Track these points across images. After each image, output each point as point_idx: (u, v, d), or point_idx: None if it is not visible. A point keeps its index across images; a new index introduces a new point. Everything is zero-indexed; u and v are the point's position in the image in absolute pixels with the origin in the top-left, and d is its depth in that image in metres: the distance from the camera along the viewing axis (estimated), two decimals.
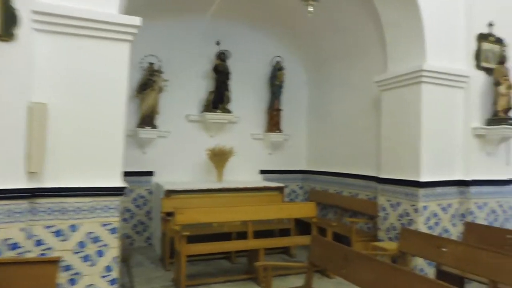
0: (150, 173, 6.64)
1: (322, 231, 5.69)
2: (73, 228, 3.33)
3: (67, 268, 3.30)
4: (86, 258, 3.37)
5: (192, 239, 4.83)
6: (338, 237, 5.89)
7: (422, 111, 4.82)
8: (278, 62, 7.51)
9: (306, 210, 5.50)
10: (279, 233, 6.19)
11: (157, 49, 6.58)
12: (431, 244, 3.78)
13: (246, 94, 7.38)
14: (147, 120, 6.48)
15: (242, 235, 5.50)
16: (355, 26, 6.15)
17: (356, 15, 5.93)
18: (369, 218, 5.86)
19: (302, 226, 6.47)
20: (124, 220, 6.44)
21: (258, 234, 5.43)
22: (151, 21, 6.47)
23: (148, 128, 6.44)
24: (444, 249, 3.65)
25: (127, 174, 6.35)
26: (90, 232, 3.38)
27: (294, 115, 7.86)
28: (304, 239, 5.16)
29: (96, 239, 3.40)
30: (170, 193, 5.79)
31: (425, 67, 4.75)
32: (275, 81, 7.48)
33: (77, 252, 3.34)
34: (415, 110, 4.89)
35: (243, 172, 7.27)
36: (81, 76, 3.39)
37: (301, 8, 4.22)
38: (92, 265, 3.38)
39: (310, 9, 3.96)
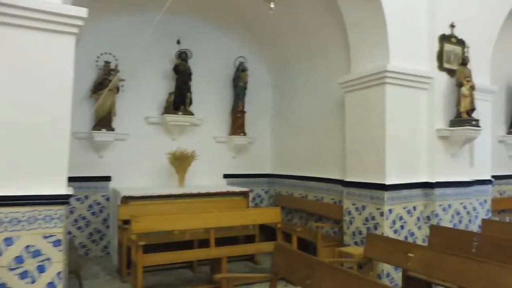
0: (107, 178, 6.26)
1: (288, 237, 5.51)
2: (8, 241, 2.97)
3: (1, 287, 2.94)
4: (24, 275, 3.01)
5: (150, 248, 4.53)
6: (303, 243, 5.74)
7: (386, 113, 4.74)
8: (241, 63, 7.31)
9: (270, 216, 5.30)
10: (243, 240, 5.97)
11: (113, 47, 6.22)
12: (398, 249, 3.66)
13: (209, 96, 7.13)
14: (103, 122, 6.11)
15: (205, 243, 5.24)
16: (318, 26, 6.05)
17: (320, 15, 5.82)
18: (334, 223, 5.73)
19: (268, 232, 6.28)
20: (79, 228, 6.03)
21: (222, 241, 5.18)
22: (106, 16, 6.14)
23: (104, 131, 6.07)
24: (411, 255, 3.54)
25: (82, 179, 6.02)
26: (30, 246, 3.03)
27: (258, 118, 7.68)
28: (268, 246, 4.95)
29: (36, 253, 3.06)
30: (127, 199, 5.45)
31: (388, 68, 4.68)
32: (239, 82, 7.27)
33: (13, 269, 2.98)
34: (379, 112, 4.80)
35: (206, 177, 7.00)
36: (20, 71, 3.06)
37: (263, 7, 4.03)
38: (31, 282, 3.03)
39: (272, 5, 3.77)
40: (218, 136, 7.25)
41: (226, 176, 7.30)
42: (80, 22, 3.25)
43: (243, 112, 7.29)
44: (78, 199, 6.03)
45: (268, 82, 7.82)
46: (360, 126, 5.10)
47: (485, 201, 5.60)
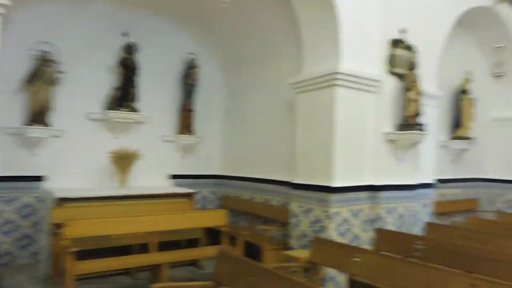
0: (39, 178, 5.76)
1: (235, 240, 5.33)
2: None
3: None
4: None
5: (85, 255, 4.18)
6: (250, 246, 5.58)
7: (336, 115, 4.69)
8: (191, 60, 7.05)
9: (216, 218, 5.11)
10: (187, 244, 5.71)
11: (51, 36, 5.73)
12: (343, 253, 3.61)
13: (156, 93, 6.80)
14: (37, 117, 5.64)
15: (146, 247, 4.94)
16: (272, 26, 5.94)
17: (274, 15, 5.72)
18: (281, 225, 5.63)
19: (214, 235, 6.06)
20: (5, 233, 5.50)
21: (164, 245, 4.90)
22: (43, 1, 5.66)
23: (38, 126, 5.60)
24: (356, 259, 3.48)
25: (10, 179, 5.50)
26: None
27: (209, 117, 7.44)
28: (213, 251, 4.74)
29: None
30: (61, 201, 5.03)
31: (339, 70, 4.64)
32: (188, 80, 7.01)
33: None
34: (329, 114, 4.75)
35: (151, 177, 6.66)
36: None
37: (217, 3, 3.84)
38: None
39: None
40: (166, 135, 6.95)
41: (174, 176, 7.00)
42: (4, 1, 2.89)
43: (191, 111, 7.03)
44: (5, 201, 5.50)
45: (220, 81, 7.61)
46: (310, 128, 5.03)
47: (428, 204, 5.72)
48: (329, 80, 4.75)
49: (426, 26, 5.51)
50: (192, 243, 5.65)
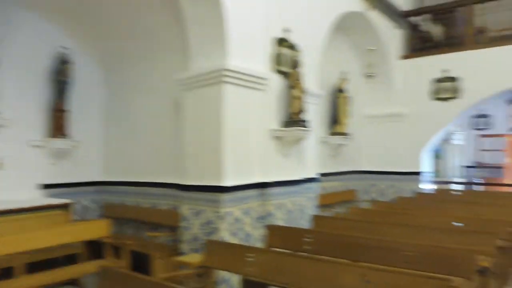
0: None
1: (119, 251, 4.88)
2: None
3: None
4: None
5: None
6: (137, 256, 5.18)
7: (224, 112, 4.58)
8: (64, 55, 6.30)
9: (97, 230, 4.62)
10: (66, 260, 5.05)
11: None
12: (236, 254, 3.51)
13: (21, 92, 5.91)
14: None
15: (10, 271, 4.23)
16: (157, 20, 5.58)
17: (158, 9, 5.37)
18: (170, 230, 5.34)
19: (96, 248, 5.49)
20: None
21: (38, 266, 4.24)
22: None
23: None
24: (249, 259, 3.40)
25: None
26: None
27: (86, 118, 6.74)
28: (93, 266, 4.25)
29: None
30: None
31: (227, 67, 4.53)
32: (60, 77, 6.24)
33: None
34: (217, 111, 4.62)
35: (16, 189, 5.75)
36: None
37: None
38: None
39: None
40: (33, 139, 6.08)
41: (46, 186, 6.16)
42: None
43: (65, 111, 6.28)
44: None
45: (99, 78, 6.94)
46: (199, 126, 4.84)
47: (313, 197, 5.97)
48: (216, 77, 4.61)
49: (307, 27, 5.73)
50: (72, 259, 5.02)
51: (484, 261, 3.42)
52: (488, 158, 13.09)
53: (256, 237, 4.91)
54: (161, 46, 5.86)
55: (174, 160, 5.51)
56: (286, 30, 5.32)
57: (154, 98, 6.09)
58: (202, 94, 4.79)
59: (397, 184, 8.55)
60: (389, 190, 8.61)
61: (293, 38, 5.41)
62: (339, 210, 7.51)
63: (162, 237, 5.51)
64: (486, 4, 7.93)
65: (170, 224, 5.27)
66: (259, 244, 4.75)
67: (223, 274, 4.37)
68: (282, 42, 5.23)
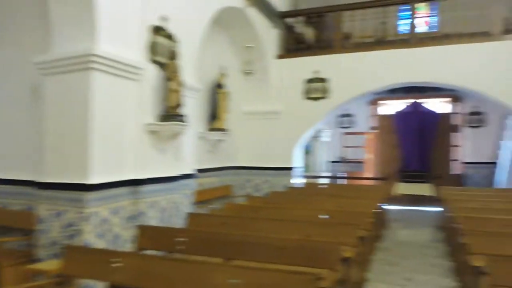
0: None
1: None
2: None
3: None
4: None
5: None
6: None
7: (91, 103, 4.13)
8: None
9: None
10: None
11: None
12: (101, 259, 3.18)
13: None
14: None
15: None
16: None
17: None
18: (24, 234, 4.68)
19: None
20: None
21: None
22: None
23: None
24: (117, 264, 3.12)
25: None
26: None
27: None
28: None
29: None
30: None
31: (95, 52, 4.07)
32: None
33: None
34: (83, 101, 4.14)
35: None
36: None
37: None
38: None
39: None
40: None
41: None
42: None
43: None
44: None
45: None
46: (61, 116, 4.28)
47: (189, 194, 5.82)
48: (83, 63, 4.13)
49: (186, 18, 5.51)
50: None
51: (347, 252, 3.70)
52: (351, 154, 14.49)
53: (126, 238, 4.57)
54: (18, 24, 5.08)
55: (31, 153, 4.83)
56: (164, 19, 5.04)
57: (6, 80, 5.26)
58: (66, 80, 4.26)
59: (272, 179, 8.89)
60: (264, 185, 8.90)
61: (171, 27, 5.14)
62: (216, 206, 7.50)
63: (13, 242, 4.80)
64: (354, 12, 8.68)
65: (24, 227, 4.61)
66: (129, 246, 4.44)
67: (86, 282, 3.97)
68: (159, 30, 4.94)
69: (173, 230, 4.13)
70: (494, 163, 11.99)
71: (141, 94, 4.78)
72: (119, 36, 4.48)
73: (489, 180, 12.43)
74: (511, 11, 8.60)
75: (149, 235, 4.06)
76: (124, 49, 4.51)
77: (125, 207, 4.60)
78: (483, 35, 7.75)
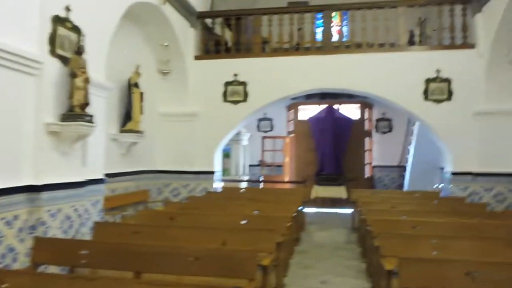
0: None
1: None
2: None
3: None
4: None
5: None
6: None
7: None
8: None
9: None
10: None
11: None
12: None
13: None
14: None
15: None
16: None
17: None
18: None
19: None
20: None
21: None
22: None
23: None
24: (4, 285, 2.70)
25: None
26: None
27: None
28: None
29: None
30: None
31: None
32: None
33: None
34: None
35: None
36: None
37: None
38: None
39: None
40: None
41: None
42: None
43: None
44: None
45: None
46: None
47: (98, 201, 5.37)
48: None
49: (95, 10, 5.07)
50: None
51: (265, 259, 3.61)
52: (270, 158, 14.67)
53: (21, 251, 4.04)
54: None
55: None
56: (68, 9, 4.58)
57: None
58: None
59: (191, 183, 8.63)
60: (183, 190, 8.61)
61: (76, 19, 4.69)
62: (130, 213, 7.04)
63: None
64: (272, 17, 8.74)
65: None
66: (24, 260, 3.93)
67: None
68: (62, 21, 4.46)
69: (76, 242, 3.74)
70: (404, 166, 12.90)
71: (40, 91, 4.28)
72: (14, 25, 3.96)
73: (398, 183, 13.39)
74: (415, 25, 9.33)
75: (47, 248, 3.61)
76: (20, 39, 4.01)
77: (21, 216, 4.08)
78: (391, 46, 8.26)
